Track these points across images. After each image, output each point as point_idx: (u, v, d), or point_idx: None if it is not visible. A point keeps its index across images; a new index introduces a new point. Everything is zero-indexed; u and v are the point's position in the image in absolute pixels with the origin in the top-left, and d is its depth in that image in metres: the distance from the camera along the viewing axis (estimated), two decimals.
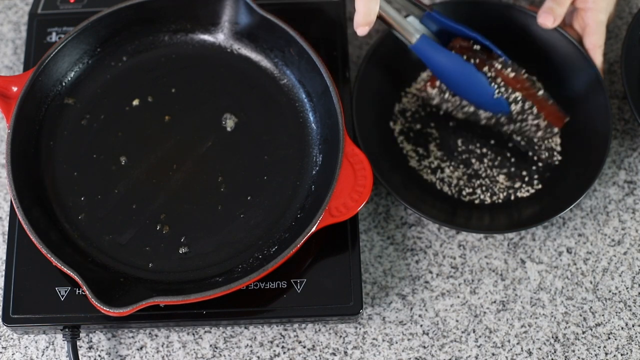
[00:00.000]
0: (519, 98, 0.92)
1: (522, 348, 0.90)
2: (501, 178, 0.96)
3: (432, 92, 0.96)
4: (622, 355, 0.89)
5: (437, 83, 0.95)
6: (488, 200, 0.95)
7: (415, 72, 1.00)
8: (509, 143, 0.97)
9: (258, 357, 0.89)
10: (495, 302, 0.91)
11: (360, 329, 0.90)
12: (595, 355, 0.89)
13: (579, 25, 0.98)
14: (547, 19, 0.95)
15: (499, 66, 0.92)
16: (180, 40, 0.96)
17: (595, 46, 0.96)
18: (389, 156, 0.96)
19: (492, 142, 0.97)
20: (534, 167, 0.96)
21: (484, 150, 0.97)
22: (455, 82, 0.93)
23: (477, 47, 0.93)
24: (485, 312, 0.91)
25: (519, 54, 1.00)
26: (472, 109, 0.95)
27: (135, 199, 0.89)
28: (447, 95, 0.95)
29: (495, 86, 0.91)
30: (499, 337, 0.90)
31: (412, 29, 0.91)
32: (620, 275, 0.93)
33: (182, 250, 0.87)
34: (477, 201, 0.95)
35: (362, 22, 0.86)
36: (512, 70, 0.92)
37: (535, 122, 0.93)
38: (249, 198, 0.90)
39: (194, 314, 0.86)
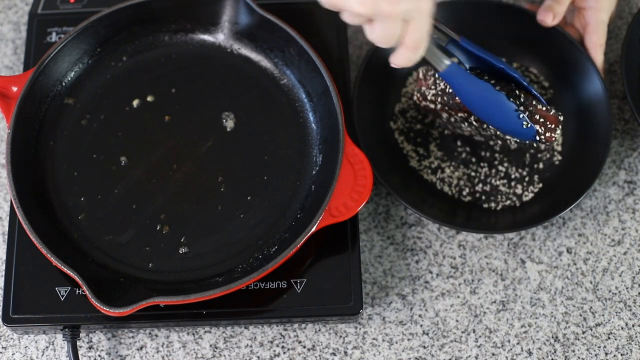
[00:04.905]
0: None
1: (522, 348, 0.90)
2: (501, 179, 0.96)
3: (431, 106, 0.94)
4: (622, 355, 0.89)
5: (429, 96, 0.92)
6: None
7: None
8: (509, 143, 0.97)
9: (258, 357, 0.89)
10: (495, 302, 0.91)
11: (360, 329, 0.90)
12: (595, 355, 0.89)
13: (579, 24, 0.98)
14: (547, 16, 0.95)
15: (534, 102, 0.88)
16: (180, 40, 0.96)
17: (596, 45, 0.96)
18: (389, 156, 0.96)
19: (492, 142, 0.97)
20: (534, 167, 0.96)
21: (484, 150, 0.97)
22: (483, 110, 0.88)
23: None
24: (485, 312, 0.91)
25: (518, 54, 1.00)
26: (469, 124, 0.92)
27: (135, 199, 0.89)
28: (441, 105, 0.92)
29: (525, 116, 0.87)
30: (499, 337, 0.90)
31: (441, 56, 0.86)
32: (620, 275, 0.93)
33: (182, 250, 0.88)
34: (477, 201, 0.95)
35: (402, 65, 0.81)
36: (542, 105, 0.89)
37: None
38: (249, 198, 0.90)
39: (194, 314, 0.86)
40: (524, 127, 0.87)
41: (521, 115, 0.86)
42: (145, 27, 0.95)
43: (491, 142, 0.96)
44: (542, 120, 0.87)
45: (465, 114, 0.90)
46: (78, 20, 0.94)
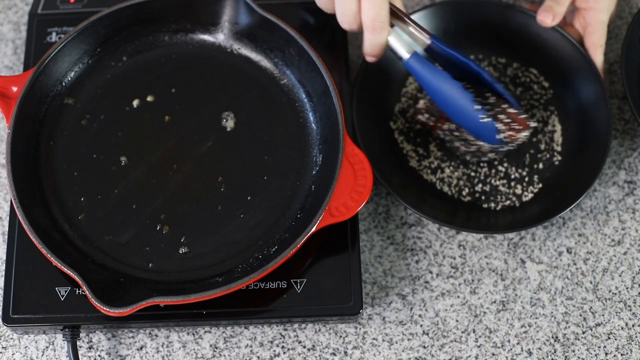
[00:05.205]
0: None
1: (522, 348, 0.90)
2: (500, 179, 0.96)
3: (422, 119, 0.95)
4: (622, 355, 0.89)
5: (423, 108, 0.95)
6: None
7: None
8: None
9: (258, 357, 0.89)
10: (495, 302, 0.91)
11: (360, 329, 0.90)
12: (595, 355, 0.89)
13: (579, 24, 0.98)
14: (547, 16, 0.95)
15: (505, 105, 0.90)
16: (180, 40, 0.96)
17: (596, 45, 0.96)
18: (389, 156, 0.96)
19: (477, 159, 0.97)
20: (534, 167, 0.96)
21: None
22: (445, 102, 0.90)
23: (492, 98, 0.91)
24: (485, 312, 0.91)
25: (518, 54, 1.00)
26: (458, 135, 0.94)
27: (135, 199, 0.89)
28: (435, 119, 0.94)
29: (483, 109, 0.89)
30: (499, 337, 0.90)
31: (405, 46, 0.89)
32: (620, 275, 0.93)
33: (182, 250, 0.88)
34: (477, 201, 0.95)
35: (369, 53, 0.89)
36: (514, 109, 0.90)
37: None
38: (249, 198, 0.90)
39: (194, 314, 0.86)
40: (481, 120, 0.88)
41: (476, 107, 0.88)
42: (145, 27, 0.95)
43: (476, 159, 0.96)
44: (507, 120, 0.89)
45: (448, 123, 0.92)
46: (78, 20, 0.94)
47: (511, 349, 0.90)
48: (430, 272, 0.93)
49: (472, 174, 0.96)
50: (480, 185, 0.95)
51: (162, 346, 0.89)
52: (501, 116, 0.89)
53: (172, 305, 0.84)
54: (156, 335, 0.90)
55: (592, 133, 0.95)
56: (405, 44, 0.89)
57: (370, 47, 0.89)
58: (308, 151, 0.92)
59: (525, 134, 0.90)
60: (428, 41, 0.89)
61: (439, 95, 0.89)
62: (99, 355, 0.89)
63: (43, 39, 0.98)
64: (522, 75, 1.00)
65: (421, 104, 0.94)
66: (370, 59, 0.91)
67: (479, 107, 0.88)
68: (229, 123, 0.93)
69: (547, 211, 0.91)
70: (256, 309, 0.87)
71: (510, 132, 0.89)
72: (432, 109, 0.93)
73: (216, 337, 0.90)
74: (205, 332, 0.90)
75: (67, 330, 0.86)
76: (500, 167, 0.96)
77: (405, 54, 0.88)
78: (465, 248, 0.94)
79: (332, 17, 0.95)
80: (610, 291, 0.92)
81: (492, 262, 0.93)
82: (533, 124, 0.90)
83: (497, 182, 0.95)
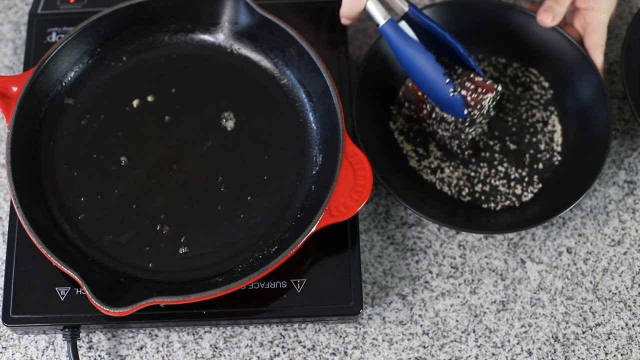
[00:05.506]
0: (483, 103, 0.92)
1: (522, 348, 0.90)
2: (501, 179, 0.96)
3: (405, 112, 0.97)
4: (622, 355, 0.89)
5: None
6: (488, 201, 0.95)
7: None
8: (509, 143, 0.97)
9: (258, 357, 0.89)
10: (495, 302, 0.91)
11: (360, 329, 0.90)
12: (595, 355, 0.89)
13: (579, 24, 0.98)
14: (547, 16, 0.95)
15: (471, 74, 0.92)
16: (180, 40, 0.96)
17: (596, 46, 0.96)
18: (389, 156, 0.96)
19: (492, 142, 0.97)
20: (533, 167, 0.96)
21: (484, 150, 0.97)
22: (416, 72, 0.92)
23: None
24: (485, 312, 0.91)
25: (518, 54, 1.00)
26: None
27: (135, 199, 0.89)
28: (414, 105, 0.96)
29: (453, 82, 0.90)
30: (499, 337, 0.90)
31: (383, 12, 0.91)
32: (620, 275, 0.93)
33: (182, 250, 0.88)
34: (477, 201, 0.95)
35: (345, 14, 0.93)
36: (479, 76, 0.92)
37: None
38: (249, 198, 0.90)
39: (194, 314, 0.86)
40: (451, 94, 0.90)
41: (447, 80, 0.90)
42: (145, 27, 0.95)
43: (450, 142, 0.97)
44: (472, 87, 0.91)
45: (425, 108, 0.94)
46: (78, 20, 0.94)
47: (511, 349, 0.90)
48: (430, 272, 0.93)
49: (472, 174, 0.96)
50: (480, 185, 0.95)
51: (162, 346, 0.89)
52: (467, 84, 0.91)
53: (172, 305, 0.84)
54: (156, 335, 0.90)
55: (592, 133, 0.95)
56: (382, 10, 0.91)
57: (348, 9, 0.92)
58: (308, 151, 0.92)
59: (490, 95, 0.91)
60: (406, 8, 0.92)
61: (410, 65, 0.91)
62: (99, 355, 0.89)
63: (43, 39, 0.98)
64: (522, 75, 1.00)
65: (400, 93, 0.96)
66: (345, 21, 0.95)
67: (449, 79, 0.90)
68: (229, 123, 0.93)
69: (547, 211, 0.91)
70: (256, 309, 0.87)
71: (475, 95, 0.91)
72: (408, 95, 0.95)
73: (216, 337, 0.90)
74: (205, 332, 0.90)
75: (67, 330, 0.86)
76: (500, 167, 0.96)
77: (381, 20, 0.91)
78: (465, 248, 0.94)
79: (331, 17, 0.96)
80: (610, 291, 0.92)
81: (492, 262, 0.93)
82: (500, 88, 0.91)
83: (497, 182, 0.95)
